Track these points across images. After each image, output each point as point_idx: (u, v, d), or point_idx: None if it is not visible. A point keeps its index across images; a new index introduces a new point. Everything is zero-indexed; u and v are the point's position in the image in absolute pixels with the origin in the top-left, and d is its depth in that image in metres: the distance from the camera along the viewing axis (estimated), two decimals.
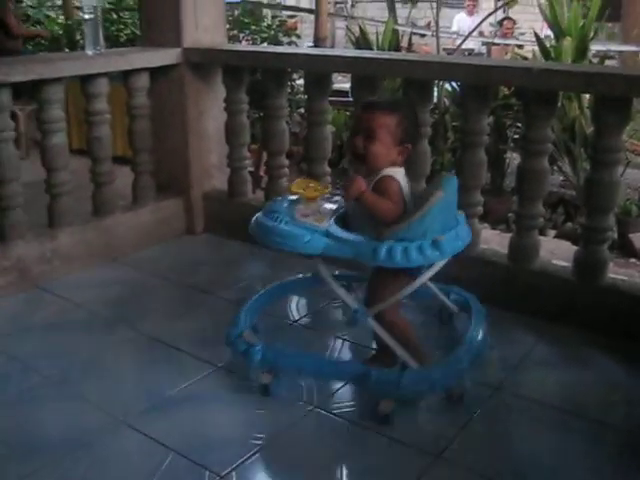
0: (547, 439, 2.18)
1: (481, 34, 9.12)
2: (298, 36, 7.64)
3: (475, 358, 2.39)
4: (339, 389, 2.44)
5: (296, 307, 3.04)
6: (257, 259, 3.45)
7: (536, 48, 5.66)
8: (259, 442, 2.15)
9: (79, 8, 10.58)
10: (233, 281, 2.90)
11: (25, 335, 2.83)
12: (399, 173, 2.26)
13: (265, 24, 7.43)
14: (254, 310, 2.63)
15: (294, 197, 2.34)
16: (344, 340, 2.75)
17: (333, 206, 2.35)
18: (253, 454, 2.09)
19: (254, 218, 2.35)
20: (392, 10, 7.27)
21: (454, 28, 9.43)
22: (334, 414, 2.29)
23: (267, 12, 8.64)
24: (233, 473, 2.01)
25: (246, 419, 2.28)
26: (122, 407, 2.33)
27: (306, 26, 12.67)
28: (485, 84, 2.87)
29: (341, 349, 2.73)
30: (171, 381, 2.47)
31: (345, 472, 2.04)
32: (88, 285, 3.26)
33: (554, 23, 5.17)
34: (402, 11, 10.90)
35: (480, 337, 2.45)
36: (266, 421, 2.27)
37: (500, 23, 9.39)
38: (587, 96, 4.47)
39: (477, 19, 8.81)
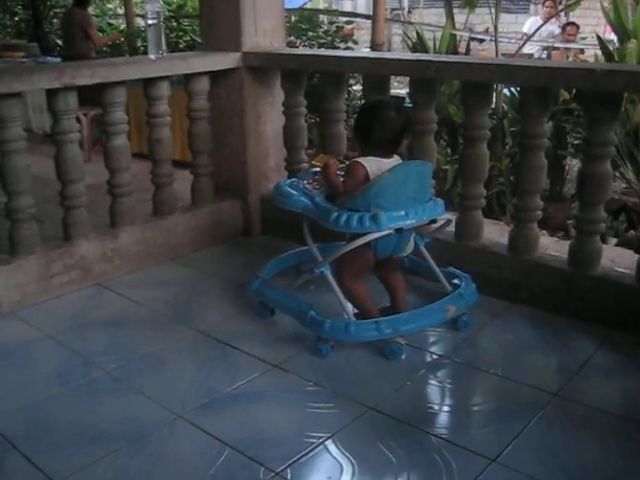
0: (607, 447, 2.12)
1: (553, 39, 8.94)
2: (355, 42, 7.64)
3: (426, 322, 2.73)
4: (395, 391, 2.43)
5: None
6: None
7: (598, 52, 5.53)
8: (314, 440, 2.15)
9: (141, 16, 10.85)
10: (288, 282, 2.92)
11: (87, 331, 2.91)
12: (370, 160, 2.62)
13: (322, 30, 7.46)
14: (280, 263, 3.15)
15: (315, 169, 2.88)
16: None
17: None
18: (308, 452, 2.10)
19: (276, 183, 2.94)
20: (450, 15, 7.20)
21: (525, 30, 9.25)
22: (389, 415, 2.28)
23: (324, 18, 8.68)
24: (288, 470, 2.02)
25: (301, 417, 2.29)
26: (179, 402, 2.37)
27: (362, 33, 12.66)
28: (546, 86, 2.83)
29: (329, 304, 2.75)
30: (228, 378, 2.50)
31: (399, 473, 2.02)
32: (147, 284, 3.32)
33: (618, 26, 5.05)
34: (459, 17, 10.78)
35: (440, 307, 2.72)
36: (322, 420, 2.27)
37: (563, 28, 9.20)
38: None
39: (550, 24, 8.63)
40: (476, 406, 2.42)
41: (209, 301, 3.13)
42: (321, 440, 2.16)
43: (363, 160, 2.62)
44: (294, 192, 2.80)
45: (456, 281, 2.91)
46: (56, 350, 2.75)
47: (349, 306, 2.70)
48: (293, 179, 2.93)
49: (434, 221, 2.75)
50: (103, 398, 2.43)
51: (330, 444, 2.15)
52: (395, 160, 2.68)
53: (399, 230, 2.57)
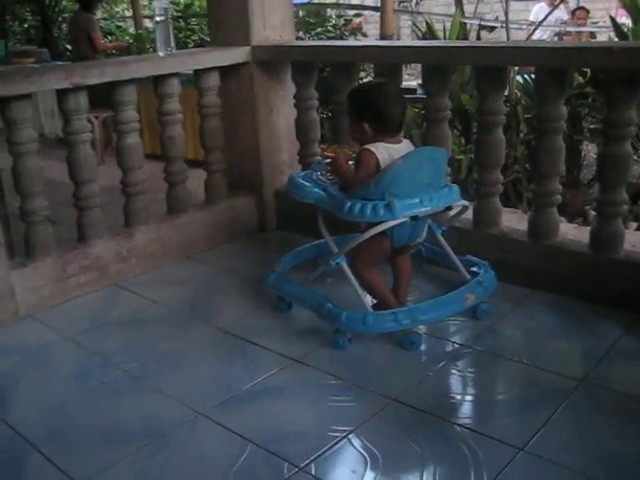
0: (636, 433, 2.07)
1: (564, 24, 8.85)
2: (364, 35, 7.61)
3: (445, 311, 2.67)
4: (418, 382, 2.40)
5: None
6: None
7: (611, 34, 5.45)
8: (337, 434, 2.12)
9: (148, 18, 10.87)
10: (305, 275, 2.89)
11: (105, 331, 2.89)
12: (379, 146, 2.55)
13: (330, 24, 7.43)
14: (297, 257, 3.14)
15: (328, 160, 2.80)
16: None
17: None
18: (332, 446, 2.07)
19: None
20: (459, 4, 7.14)
21: (532, 18, 9.17)
22: (413, 406, 2.24)
23: (332, 12, 8.64)
24: (312, 465, 1.99)
25: (323, 411, 2.26)
26: (200, 400, 2.34)
27: (370, 26, 12.61)
28: (562, 67, 2.78)
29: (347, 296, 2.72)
30: (247, 374, 2.48)
31: (426, 464, 1.99)
32: (164, 282, 3.31)
33: (632, 7, 4.97)
34: (468, 7, 10.72)
35: (450, 301, 2.67)
36: (344, 414, 2.24)
37: (573, 13, 9.10)
38: None
39: (558, 10, 8.54)
40: (501, 395, 2.38)
41: (226, 298, 3.10)
42: (344, 434, 2.12)
43: (372, 147, 2.56)
44: (307, 184, 2.77)
45: (475, 269, 2.87)
46: (75, 351, 2.74)
47: (367, 297, 2.67)
48: (307, 171, 2.92)
49: (450, 208, 2.70)
50: (123, 398, 2.41)
51: (353, 438, 2.11)
52: (407, 145, 2.63)
53: (414, 218, 2.53)
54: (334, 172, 2.72)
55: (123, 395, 2.43)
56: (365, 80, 6.35)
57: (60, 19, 10.86)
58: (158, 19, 3.50)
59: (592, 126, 5.15)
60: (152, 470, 2.03)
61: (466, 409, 2.30)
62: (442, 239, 2.85)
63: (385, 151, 2.55)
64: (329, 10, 8.63)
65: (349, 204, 2.51)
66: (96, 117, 6.19)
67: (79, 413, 2.34)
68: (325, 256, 2.83)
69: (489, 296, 2.79)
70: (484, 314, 2.77)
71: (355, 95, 2.68)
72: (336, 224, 2.70)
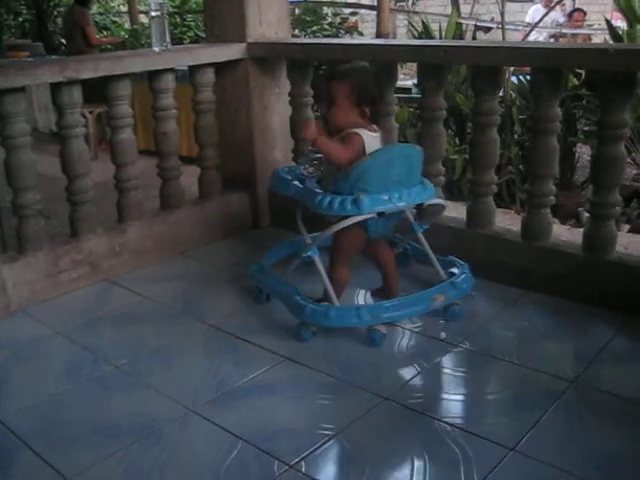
0: (626, 434, 2.07)
1: (560, 26, 8.85)
2: (360, 33, 7.62)
3: (410, 311, 2.69)
4: (409, 380, 2.40)
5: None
6: (322, 252, 3.43)
7: (606, 37, 5.47)
8: (328, 432, 2.12)
9: (144, 13, 10.84)
10: (299, 274, 2.88)
11: (96, 326, 2.88)
12: (366, 133, 2.55)
13: (327, 22, 7.43)
14: (280, 251, 3.18)
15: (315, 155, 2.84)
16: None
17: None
18: (322, 444, 2.06)
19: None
20: (455, 4, 7.14)
21: (527, 20, 9.18)
22: (404, 405, 2.24)
23: (328, 11, 8.64)
24: (302, 462, 1.99)
25: (314, 409, 2.26)
26: (191, 396, 2.34)
27: (366, 25, 12.63)
28: (558, 68, 2.78)
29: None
30: (238, 371, 2.47)
31: (416, 463, 1.98)
32: (156, 278, 3.30)
33: (627, 10, 4.99)
34: (465, 8, 10.73)
35: (428, 296, 2.69)
36: (335, 411, 2.24)
37: (570, 15, 9.11)
38: None
39: (554, 12, 8.55)
40: (492, 394, 2.38)
41: (219, 294, 3.09)
42: (335, 432, 2.12)
43: (360, 132, 2.55)
44: (288, 177, 2.80)
45: (454, 270, 2.85)
46: (66, 346, 2.73)
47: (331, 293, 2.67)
48: (293, 166, 2.94)
49: (421, 205, 2.72)
50: (114, 393, 2.40)
51: (344, 436, 2.11)
52: (380, 136, 2.66)
53: (381, 214, 2.55)
54: (322, 151, 2.66)
55: (114, 391, 2.41)
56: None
57: (55, 13, 10.82)
58: (154, 14, 3.49)
59: (586, 128, 5.17)
60: (142, 466, 2.02)
61: (457, 408, 2.30)
62: (422, 238, 2.84)
63: (369, 139, 2.57)
64: (325, 8, 8.63)
65: (319, 197, 2.55)
66: (90, 112, 6.17)
67: (69, 408, 2.33)
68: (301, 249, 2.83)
69: (462, 298, 2.78)
70: (454, 316, 2.76)
71: (353, 76, 2.61)
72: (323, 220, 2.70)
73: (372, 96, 2.61)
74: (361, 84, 2.58)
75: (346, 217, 2.54)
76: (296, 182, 2.75)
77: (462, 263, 2.88)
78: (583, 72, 4.66)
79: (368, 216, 2.53)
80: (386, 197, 2.53)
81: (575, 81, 4.94)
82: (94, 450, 2.09)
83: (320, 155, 2.80)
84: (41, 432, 2.19)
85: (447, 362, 2.53)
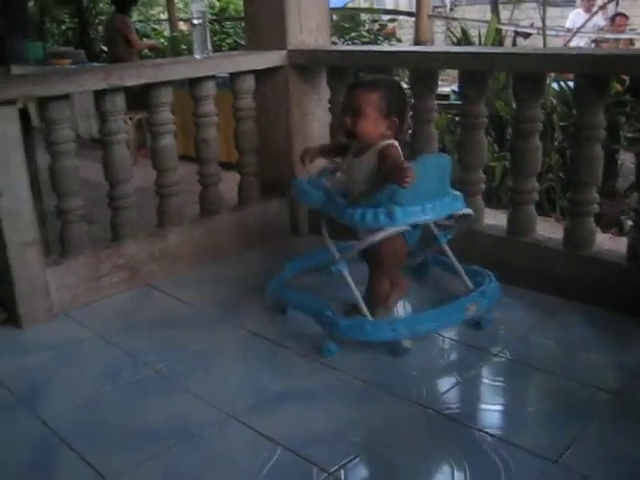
0: None
1: (601, 31, 8.73)
2: (398, 40, 7.60)
3: (432, 326, 2.65)
4: (448, 389, 2.38)
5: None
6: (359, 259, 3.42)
7: None
8: (366, 440, 2.11)
9: (183, 20, 10.97)
10: (337, 281, 2.87)
11: (136, 330, 2.91)
12: (397, 145, 2.51)
13: (365, 29, 7.44)
14: (300, 263, 3.11)
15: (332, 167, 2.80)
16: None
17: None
18: (361, 452, 2.06)
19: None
20: (495, 10, 7.10)
21: (568, 25, 9.06)
22: (443, 414, 2.22)
23: (366, 17, 8.65)
24: (341, 470, 1.98)
25: (353, 416, 2.25)
26: (229, 402, 2.35)
27: (404, 31, 12.60)
28: (602, 75, 2.73)
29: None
30: (277, 377, 2.48)
31: (456, 474, 1.96)
32: (195, 283, 3.32)
33: None
34: (504, 13, 10.65)
35: (451, 311, 2.65)
36: (373, 420, 2.22)
37: (612, 19, 8.98)
38: None
39: (595, 16, 8.43)
40: (533, 405, 2.35)
41: (257, 301, 3.10)
42: (373, 440, 2.11)
43: (390, 142, 2.52)
44: (313, 189, 2.75)
45: (479, 278, 2.81)
46: (106, 349, 2.76)
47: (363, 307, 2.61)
48: (313, 176, 2.86)
49: (452, 216, 2.70)
50: (153, 397, 2.42)
51: (383, 444, 2.10)
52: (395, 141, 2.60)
53: (415, 226, 2.55)
54: (391, 164, 2.47)
55: (153, 394, 2.44)
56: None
57: (97, 21, 11.01)
58: (195, 22, 3.53)
59: (630, 135, 5.07)
60: (181, 470, 2.03)
61: (497, 419, 2.27)
62: (447, 247, 2.81)
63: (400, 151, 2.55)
64: (363, 15, 8.64)
65: (351, 210, 2.50)
66: (130, 118, 6.24)
67: (110, 411, 2.36)
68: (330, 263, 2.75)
69: (492, 307, 2.74)
70: (488, 325, 2.73)
71: (382, 85, 2.57)
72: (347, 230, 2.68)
73: (401, 107, 2.57)
74: (390, 94, 2.53)
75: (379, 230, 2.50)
76: (322, 194, 2.70)
77: (487, 272, 2.84)
78: (627, 78, 4.58)
79: (402, 228, 2.51)
80: (419, 209, 2.49)
81: (618, 87, 4.86)
82: (134, 453, 2.11)
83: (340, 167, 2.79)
84: (82, 434, 2.22)
85: (487, 372, 2.50)
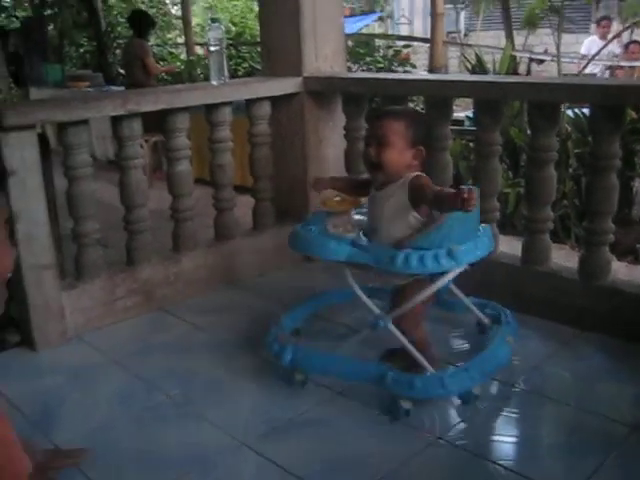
0: None
1: (616, 58, 8.73)
2: (413, 65, 7.64)
3: (492, 368, 2.48)
4: (462, 420, 2.36)
5: (334, 314, 3.07)
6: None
7: None
8: (380, 470, 2.09)
9: (200, 44, 11.09)
10: (351, 308, 2.87)
11: (149, 355, 2.91)
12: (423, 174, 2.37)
13: (380, 55, 7.49)
14: (296, 316, 2.89)
15: (328, 210, 2.57)
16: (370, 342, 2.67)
17: (361, 217, 2.56)
18: None
19: (292, 230, 2.61)
20: (509, 36, 7.15)
21: (583, 51, 9.09)
22: (456, 445, 2.21)
23: (380, 43, 8.72)
24: None
25: (366, 447, 2.23)
26: (242, 429, 2.34)
27: (419, 57, 12.69)
28: (617, 105, 2.74)
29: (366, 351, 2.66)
30: (290, 405, 2.47)
31: None
32: (209, 308, 3.32)
33: None
34: (518, 39, 10.71)
35: (499, 348, 2.53)
36: (386, 450, 2.21)
37: (626, 47, 9.00)
38: None
39: (610, 44, 8.46)
40: (548, 438, 2.32)
41: (271, 327, 3.10)
42: (387, 472, 2.09)
43: (422, 173, 2.37)
44: (330, 239, 2.44)
45: (489, 311, 2.76)
46: (120, 374, 2.76)
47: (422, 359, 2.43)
48: (309, 224, 2.57)
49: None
50: (166, 423, 2.42)
51: (396, 476, 2.08)
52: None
53: (473, 265, 2.35)
54: (425, 192, 2.31)
55: (166, 421, 2.43)
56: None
57: (115, 45, 11.16)
58: (212, 49, 3.56)
59: None
60: None
61: (511, 451, 2.25)
62: (454, 287, 2.68)
63: None
64: (378, 40, 8.71)
65: (403, 255, 2.24)
66: (146, 141, 6.29)
67: (122, 437, 2.36)
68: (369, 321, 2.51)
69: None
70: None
71: (408, 114, 2.49)
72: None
73: (426, 137, 2.46)
74: (415, 123, 2.40)
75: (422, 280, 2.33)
76: (344, 244, 2.40)
77: (494, 304, 2.78)
78: None
79: (462, 269, 2.33)
80: (472, 245, 2.32)
81: (633, 114, 4.86)
82: (145, 478, 2.11)
83: (357, 214, 2.59)
84: (94, 459, 2.21)
85: (501, 402, 2.48)
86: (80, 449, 2.16)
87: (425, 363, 2.39)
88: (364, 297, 2.46)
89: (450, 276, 2.35)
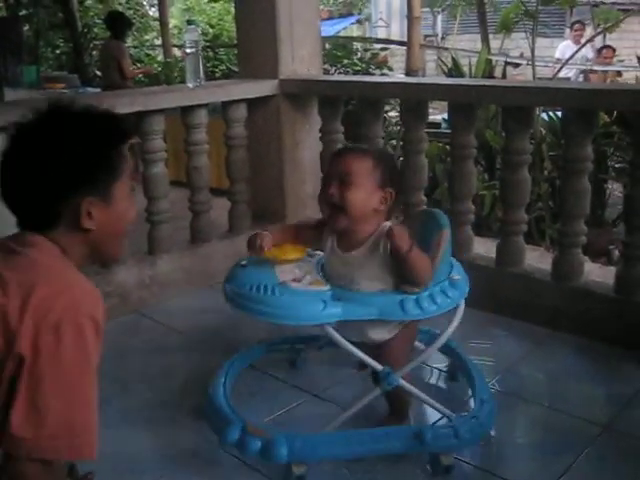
0: None
1: (589, 62, 8.84)
2: (390, 68, 7.67)
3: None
4: (435, 422, 2.37)
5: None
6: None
7: (638, 73, 5.46)
8: (355, 472, 2.09)
9: (177, 46, 11.05)
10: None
11: (125, 358, 2.89)
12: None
13: (357, 57, 7.51)
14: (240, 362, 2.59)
15: (262, 259, 2.15)
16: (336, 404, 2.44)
17: (312, 266, 2.18)
18: None
19: (229, 289, 2.23)
20: (485, 40, 7.21)
21: (557, 55, 9.21)
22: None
23: (358, 46, 8.74)
24: None
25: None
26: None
27: (396, 59, 12.73)
28: (590, 109, 2.77)
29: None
30: (266, 407, 2.46)
31: None
32: (185, 311, 3.31)
33: None
34: (494, 42, 10.79)
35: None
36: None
37: (599, 51, 9.14)
38: None
39: (583, 48, 8.57)
40: (521, 438, 2.35)
41: (247, 329, 3.09)
42: (362, 473, 2.10)
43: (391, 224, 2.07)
44: (305, 298, 2.03)
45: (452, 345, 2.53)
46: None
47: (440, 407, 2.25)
48: (251, 282, 2.16)
49: None
50: (141, 426, 2.40)
51: (378, 475, 2.09)
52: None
53: None
54: (410, 264, 1.98)
55: (141, 423, 2.42)
56: (391, 114, 6.41)
57: (91, 46, 11.08)
58: (188, 51, 3.56)
59: (617, 165, 5.13)
60: None
61: (486, 451, 2.26)
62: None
63: None
64: (355, 43, 8.73)
65: (413, 298, 2.00)
66: None
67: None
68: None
69: None
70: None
71: (385, 157, 2.18)
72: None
73: (396, 179, 2.12)
74: (384, 161, 2.08)
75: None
76: (331, 306, 2.00)
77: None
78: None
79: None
80: (460, 276, 2.16)
81: (606, 118, 4.92)
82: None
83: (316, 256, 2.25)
84: None
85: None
86: (88, 473, 2.11)
87: (442, 409, 2.23)
88: (360, 353, 2.09)
89: (462, 308, 2.15)
